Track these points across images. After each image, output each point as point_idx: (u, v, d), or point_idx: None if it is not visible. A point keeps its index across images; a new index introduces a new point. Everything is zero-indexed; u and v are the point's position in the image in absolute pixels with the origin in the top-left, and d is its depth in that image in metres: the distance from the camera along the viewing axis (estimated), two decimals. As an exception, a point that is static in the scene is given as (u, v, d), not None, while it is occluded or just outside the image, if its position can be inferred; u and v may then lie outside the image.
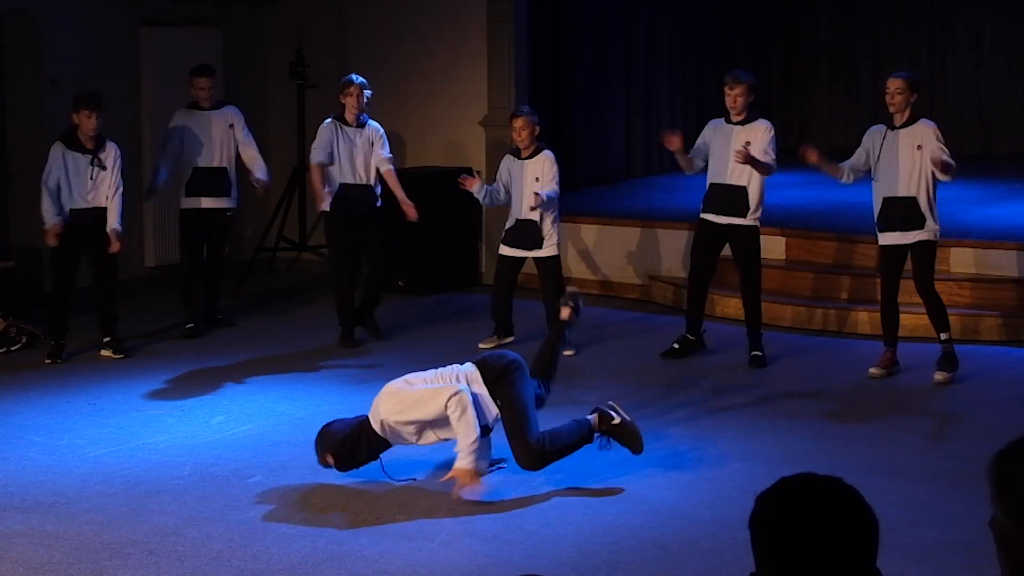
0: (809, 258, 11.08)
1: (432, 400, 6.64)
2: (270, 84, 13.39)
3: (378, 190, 10.10)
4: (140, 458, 7.41)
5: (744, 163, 9.13)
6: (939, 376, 8.82)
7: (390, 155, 10.14)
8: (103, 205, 9.59)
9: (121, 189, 9.64)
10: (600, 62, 14.22)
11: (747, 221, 9.33)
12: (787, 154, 16.67)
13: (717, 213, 9.43)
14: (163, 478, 7.05)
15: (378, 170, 10.05)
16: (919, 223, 8.74)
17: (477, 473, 6.62)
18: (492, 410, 6.82)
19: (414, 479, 6.94)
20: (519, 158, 9.77)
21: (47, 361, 9.58)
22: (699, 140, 9.61)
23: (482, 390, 6.81)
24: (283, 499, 6.72)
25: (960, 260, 10.42)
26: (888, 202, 8.81)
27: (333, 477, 7.01)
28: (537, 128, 9.78)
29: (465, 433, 6.59)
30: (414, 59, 12.75)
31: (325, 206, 10.00)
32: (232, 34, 13.00)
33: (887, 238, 8.87)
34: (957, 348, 8.94)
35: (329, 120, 10.07)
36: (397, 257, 10.96)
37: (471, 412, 6.60)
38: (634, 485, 6.89)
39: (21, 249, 11.41)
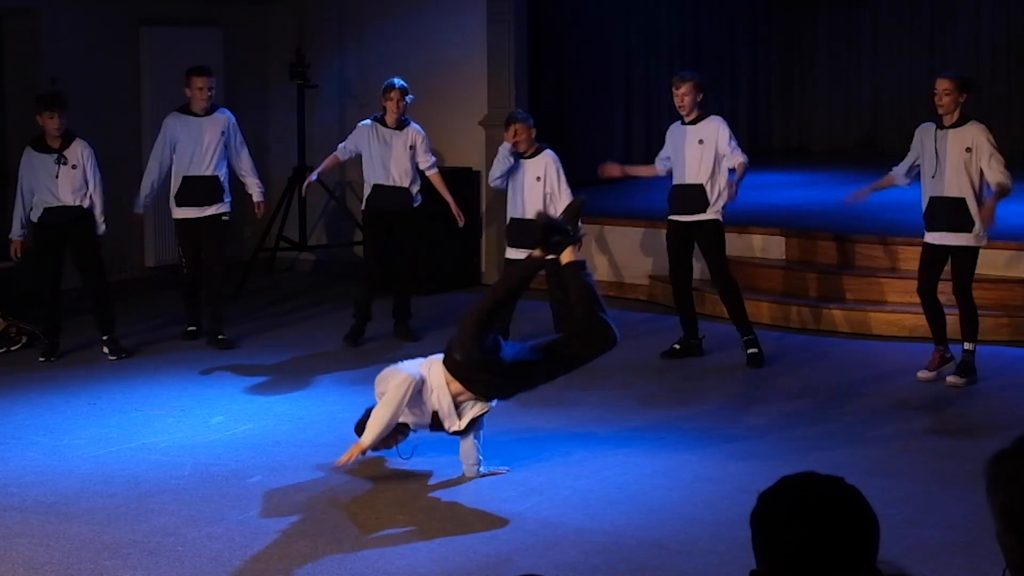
0: (809, 258, 11.08)
1: (389, 384, 6.78)
2: (270, 84, 13.39)
3: (414, 190, 10.14)
4: (140, 458, 7.41)
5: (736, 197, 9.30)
6: (952, 379, 8.75)
7: (433, 158, 10.29)
8: (77, 204, 9.55)
9: (100, 186, 9.59)
10: (600, 62, 14.22)
11: (708, 216, 9.40)
12: (787, 154, 16.79)
13: (681, 212, 9.52)
14: (163, 478, 7.05)
15: (421, 173, 10.17)
16: (967, 226, 8.65)
17: (362, 450, 6.76)
18: (445, 398, 6.80)
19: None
20: (521, 156, 9.64)
21: (41, 359, 9.59)
22: (666, 146, 9.64)
23: (440, 379, 6.79)
24: (283, 499, 6.72)
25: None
26: (935, 202, 8.72)
27: (333, 477, 7.02)
28: (534, 131, 9.61)
29: (377, 417, 6.71)
30: (414, 59, 12.73)
31: (307, 182, 10.65)
32: (232, 34, 13.00)
33: (932, 237, 8.80)
34: (954, 347, 8.90)
35: (369, 120, 10.17)
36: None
37: (396, 403, 6.67)
38: (633, 485, 6.90)
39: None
